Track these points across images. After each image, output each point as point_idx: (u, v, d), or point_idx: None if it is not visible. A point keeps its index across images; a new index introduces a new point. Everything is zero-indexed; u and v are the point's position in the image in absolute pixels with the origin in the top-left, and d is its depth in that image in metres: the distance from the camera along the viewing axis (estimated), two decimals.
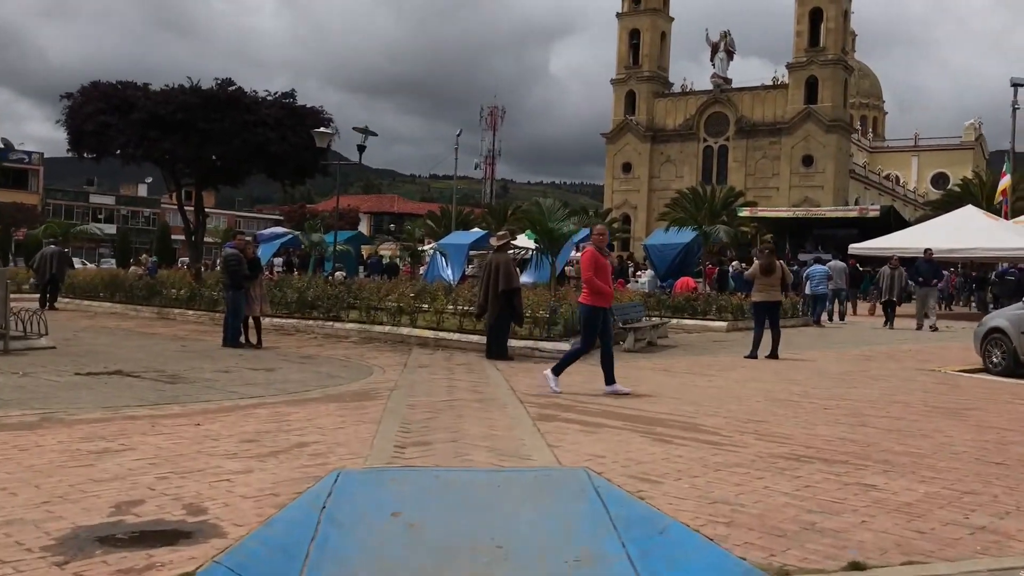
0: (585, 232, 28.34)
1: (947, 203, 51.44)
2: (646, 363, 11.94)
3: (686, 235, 24.79)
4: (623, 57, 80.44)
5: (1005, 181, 35.21)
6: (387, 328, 14.41)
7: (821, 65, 70.33)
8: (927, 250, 19.26)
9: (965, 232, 24.16)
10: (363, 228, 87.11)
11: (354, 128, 17.58)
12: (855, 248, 27.25)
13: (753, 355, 12.74)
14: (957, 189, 54.73)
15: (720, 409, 7.88)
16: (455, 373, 10.16)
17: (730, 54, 77.13)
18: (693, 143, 77.40)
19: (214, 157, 21.81)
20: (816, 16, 70.85)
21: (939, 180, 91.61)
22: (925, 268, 18.59)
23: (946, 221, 26.63)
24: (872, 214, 50.36)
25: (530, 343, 12.42)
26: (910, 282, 20.55)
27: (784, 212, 55.93)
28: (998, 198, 33.86)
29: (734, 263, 30.25)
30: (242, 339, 13.12)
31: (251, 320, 13.38)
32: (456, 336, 13.31)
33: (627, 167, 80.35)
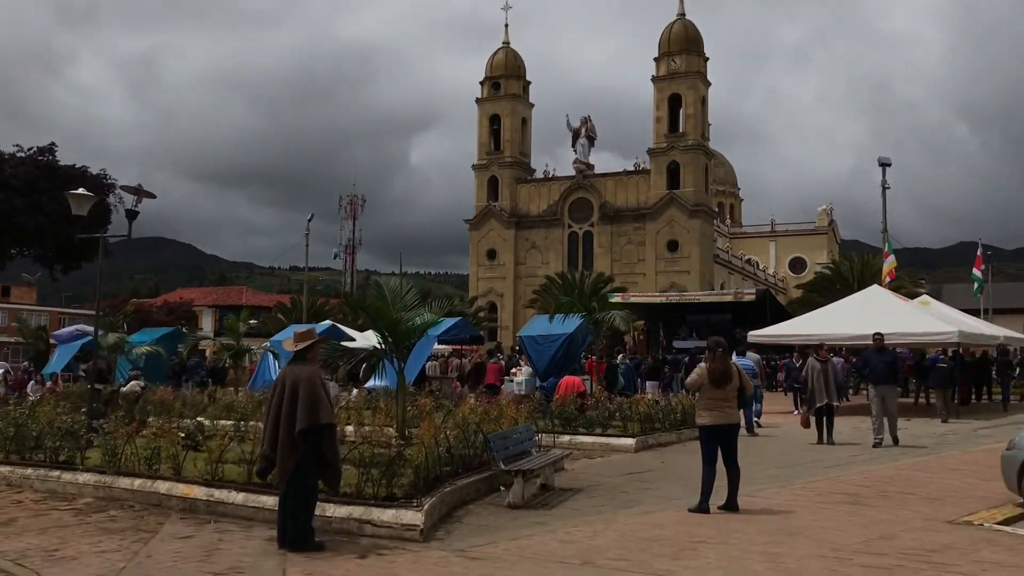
0: (451, 323, 23.82)
1: (821, 285, 50.43)
2: (549, 539, 7.30)
3: (569, 324, 20.71)
4: (484, 143, 78.14)
5: (890, 261, 33.41)
6: (138, 483, 9.18)
7: (682, 151, 69.96)
8: (877, 335, 14.79)
9: (880, 316, 21.12)
10: (207, 324, 79.62)
11: (122, 187, 12.58)
12: (756, 336, 23.88)
13: (703, 508, 8.39)
14: (827, 272, 54.02)
15: None
16: None
17: (591, 140, 76.04)
18: (558, 229, 75.18)
19: None
20: (675, 103, 70.85)
21: (796, 264, 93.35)
22: (877, 360, 14.27)
23: (854, 303, 23.70)
24: (747, 298, 48.36)
25: (358, 511, 7.55)
26: (851, 379, 16.94)
27: (657, 298, 53.37)
28: (885, 278, 31.73)
29: (620, 356, 26.43)
30: None
31: None
32: (240, 497, 8.27)
33: (492, 254, 77.11)
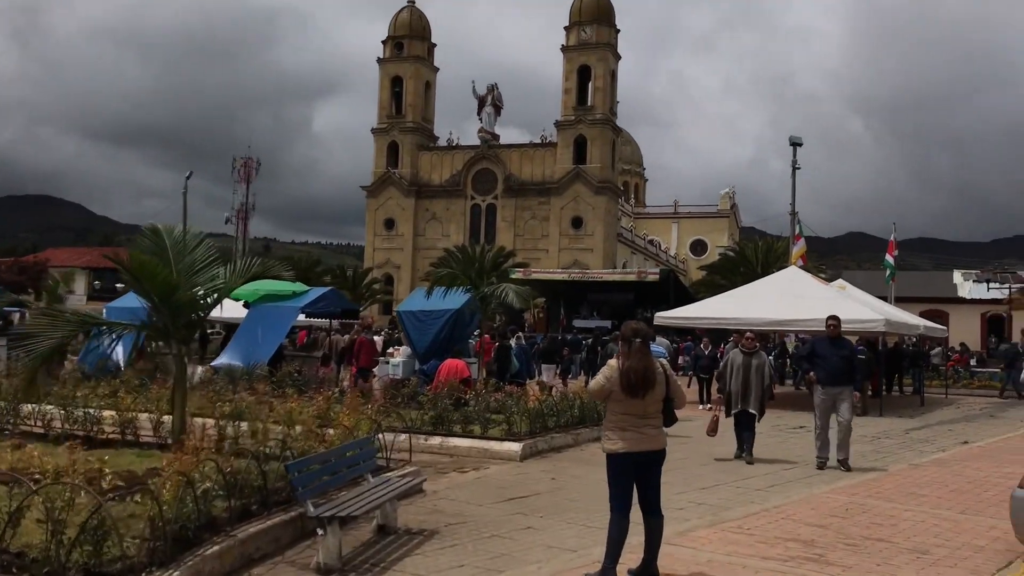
0: (317, 293, 20.45)
1: (725, 267, 49.10)
2: None
3: (455, 299, 17.83)
4: (385, 106, 74.21)
5: (801, 245, 31.74)
6: None
7: (589, 125, 67.85)
8: (832, 320, 11.33)
9: (800, 300, 19.06)
10: (80, 287, 73.69)
11: None
12: (663, 317, 21.52)
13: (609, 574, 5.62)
14: (732, 254, 52.78)
15: None
16: None
17: (498, 109, 73.08)
18: (460, 200, 72.15)
19: None
20: (584, 75, 68.57)
21: (697, 246, 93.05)
22: (831, 353, 10.75)
23: (771, 284, 21.64)
24: (651, 278, 46.56)
25: None
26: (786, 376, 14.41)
27: (558, 274, 51.15)
28: (796, 262, 29.95)
29: (519, 335, 23.73)
30: None
31: None
32: None
33: (390, 223, 73.55)
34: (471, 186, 72.14)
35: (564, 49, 69.29)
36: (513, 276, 49.69)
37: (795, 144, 37.76)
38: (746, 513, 7.96)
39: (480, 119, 72.63)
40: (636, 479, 5.74)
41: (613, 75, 69.93)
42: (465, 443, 11.16)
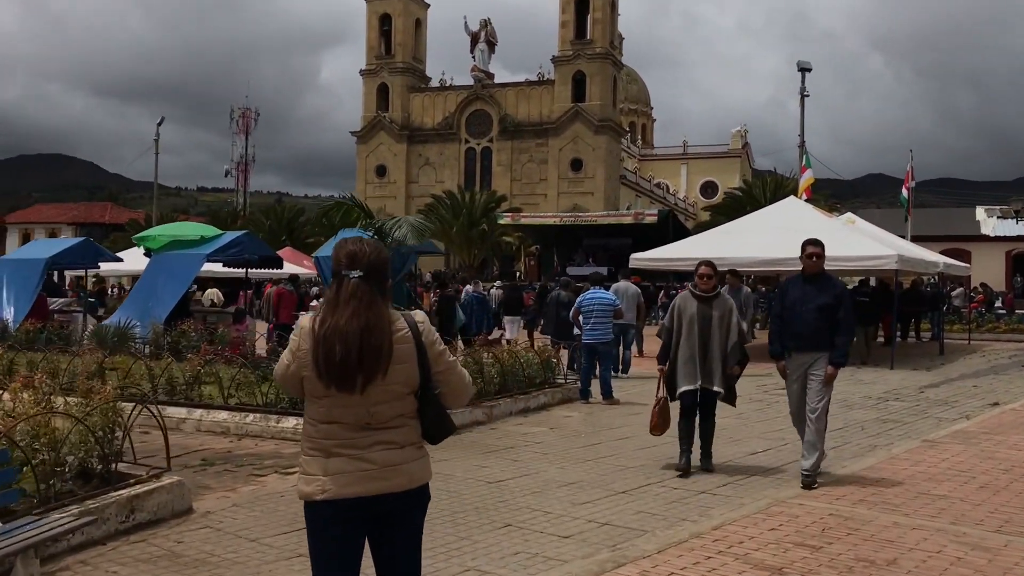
0: (231, 237, 17.43)
1: (729, 207, 45.78)
2: None
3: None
4: (373, 46, 70.52)
5: (808, 176, 28.54)
6: None
7: (589, 60, 63.99)
8: (811, 248, 6.73)
9: (801, 234, 15.96)
10: None
11: None
12: (638, 260, 18.55)
13: None
14: (739, 193, 49.38)
15: None
16: None
17: (491, 45, 69.27)
18: (454, 144, 68.75)
19: None
20: (582, 7, 64.54)
21: (708, 189, 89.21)
22: (801, 298, 6.64)
23: (766, 217, 18.58)
24: (649, 219, 43.43)
25: None
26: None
27: (550, 218, 48.01)
28: (801, 195, 26.81)
29: (468, 286, 20.81)
30: None
31: None
32: None
33: (381, 170, 70.38)
34: (465, 129, 68.75)
35: None
36: (501, 221, 46.84)
37: (803, 70, 34.83)
38: (666, 543, 5.13)
39: (473, 57, 68.97)
40: (370, 543, 2.91)
41: (613, 5, 65.87)
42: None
